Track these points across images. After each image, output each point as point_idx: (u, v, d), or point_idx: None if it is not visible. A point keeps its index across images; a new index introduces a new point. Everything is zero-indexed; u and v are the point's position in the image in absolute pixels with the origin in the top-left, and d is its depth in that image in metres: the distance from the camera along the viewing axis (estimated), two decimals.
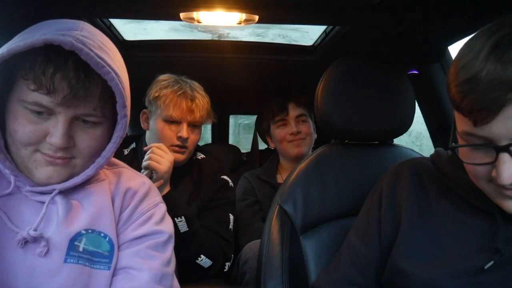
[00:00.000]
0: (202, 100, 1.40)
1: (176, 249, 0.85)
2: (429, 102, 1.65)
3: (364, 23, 1.26)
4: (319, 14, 1.18)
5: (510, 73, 0.59)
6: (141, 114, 1.48)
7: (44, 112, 0.69)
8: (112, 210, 0.78)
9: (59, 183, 0.74)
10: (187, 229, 1.27)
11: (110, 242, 0.76)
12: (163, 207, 0.86)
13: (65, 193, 0.75)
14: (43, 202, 0.73)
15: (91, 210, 0.76)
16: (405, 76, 1.19)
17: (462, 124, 0.68)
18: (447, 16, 1.08)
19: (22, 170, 0.73)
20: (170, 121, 1.37)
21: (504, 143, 0.63)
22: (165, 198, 1.27)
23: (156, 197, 0.86)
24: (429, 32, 1.25)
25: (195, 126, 1.41)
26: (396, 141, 1.37)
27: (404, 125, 1.14)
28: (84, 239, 0.73)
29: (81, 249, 0.72)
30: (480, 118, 0.62)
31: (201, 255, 1.29)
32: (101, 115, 0.73)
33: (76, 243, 0.72)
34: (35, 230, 0.70)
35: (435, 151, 0.90)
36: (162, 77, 1.45)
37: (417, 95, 1.31)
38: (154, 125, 1.40)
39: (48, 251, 0.71)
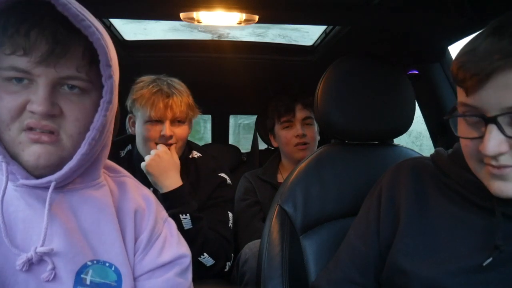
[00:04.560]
0: (179, 95, 1.37)
1: None
2: (429, 102, 1.65)
3: (364, 23, 1.26)
4: (319, 14, 1.18)
5: (504, 44, 0.62)
6: (127, 119, 1.47)
7: (24, 79, 0.63)
8: (119, 234, 0.74)
9: (49, 166, 0.66)
10: (191, 226, 1.27)
11: (117, 271, 0.71)
12: (171, 221, 0.84)
13: (63, 207, 0.70)
14: (40, 205, 0.68)
15: (95, 237, 0.71)
16: (405, 76, 1.19)
17: (459, 96, 0.70)
18: (447, 16, 1.08)
19: (13, 158, 0.66)
20: (151, 121, 1.36)
21: (493, 113, 0.64)
22: (176, 192, 1.29)
23: (162, 211, 0.84)
24: (429, 32, 1.25)
25: (178, 122, 1.39)
26: (396, 141, 1.37)
27: (404, 125, 1.14)
28: (90, 271, 0.69)
29: (88, 282, 0.68)
30: (471, 85, 0.65)
31: (204, 253, 1.29)
32: (87, 78, 0.66)
33: (82, 276, 0.68)
34: (42, 246, 0.63)
35: (435, 151, 0.90)
36: (140, 79, 1.43)
37: (417, 95, 1.31)
38: (138, 129, 1.39)
39: (55, 275, 0.65)
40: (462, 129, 0.72)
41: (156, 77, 1.42)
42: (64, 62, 0.63)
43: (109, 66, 0.65)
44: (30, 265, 0.65)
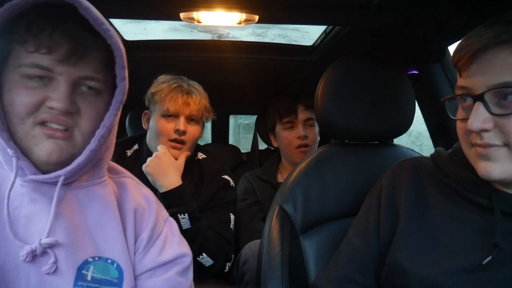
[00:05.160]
0: (198, 95, 1.41)
1: None
2: (429, 102, 1.65)
3: (364, 23, 1.26)
4: (319, 14, 1.18)
5: (497, 26, 0.67)
6: (142, 115, 1.50)
7: (44, 77, 0.65)
8: (121, 232, 0.75)
9: (60, 163, 0.68)
10: (190, 226, 1.27)
11: (119, 268, 0.72)
12: (172, 221, 0.85)
13: (69, 203, 0.71)
14: (45, 201, 0.69)
15: (99, 233, 0.72)
16: (405, 76, 1.19)
17: (458, 81, 0.74)
18: (447, 16, 1.08)
19: (24, 153, 0.68)
20: (167, 115, 1.38)
21: (479, 91, 0.68)
22: (174, 192, 1.29)
23: (163, 211, 0.84)
24: (429, 32, 1.25)
25: (193, 120, 1.42)
26: (396, 141, 1.38)
27: (404, 125, 1.14)
28: (91, 267, 0.69)
29: (89, 278, 0.69)
30: (462, 64, 0.70)
31: (203, 253, 1.30)
32: (103, 80, 0.70)
33: (83, 271, 0.68)
34: (47, 237, 0.65)
35: (435, 151, 0.90)
36: (161, 76, 1.47)
37: (417, 95, 1.31)
38: (153, 122, 1.42)
39: (57, 269, 0.67)
40: (458, 113, 0.76)
41: (177, 76, 1.46)
42: (84, 63, 0.67)
43: (123, 68, 0.69)
44: (34, 256, 0.66)
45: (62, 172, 0.68)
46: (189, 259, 0.81)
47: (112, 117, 0.71)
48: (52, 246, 0.67)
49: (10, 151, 0.66)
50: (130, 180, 0.84)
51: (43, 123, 0.66)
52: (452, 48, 1.43)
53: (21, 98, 0.65)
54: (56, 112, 0.66)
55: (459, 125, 0.76)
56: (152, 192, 0.86)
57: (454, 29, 1.18)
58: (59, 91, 0.65)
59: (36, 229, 0.67)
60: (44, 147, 0.66)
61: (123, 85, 0.70)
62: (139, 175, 1.36)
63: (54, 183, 0.69)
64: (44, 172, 0.69)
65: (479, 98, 0.68)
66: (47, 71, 0.65)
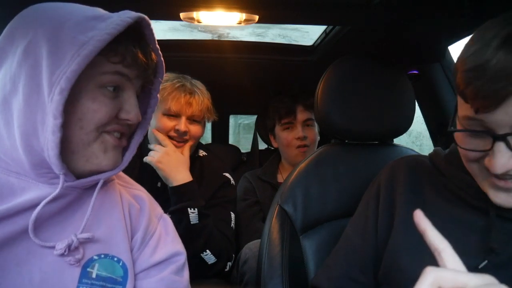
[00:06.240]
0: (201, 95, 1.40)
1: (184, 240, 0.84)
2: (429, 102, 1.65)
3: (364, 23, 1.26)
4: (319, 14, 1.18)
5: None
6: None
7: (119, 87, 0.68)
8: (125, 229, 0.74)
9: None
10: (197, 222, 1.28)
11: (124, 266, 0.72)
12: (166, 218, 0.84)
13: (80, 204, 0.71)
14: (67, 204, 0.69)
15: (105, 231, 0.72)
16: (405, 76, 1.19)
17: (464, 109, 0.67)
18: (447, 16, 1.08)
19: (75, 160, 0.67)
20: (169, 114, 1.38)
21: (502, 131, 0.62)
22: (186, 187, 1.31)
23: (157, 209, 0.84)
24: (429, 32, 1.25)
25: (195, 120, 1.41)
26: (396, 141, 1.38)
27: (404, 125, 1.14)
28: (97, 265, 0.69)
29: (94, 276, 0.68)
30: (482, 106, 0.62)
31: (207, 250, 1.30)
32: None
33: (88, 269, 0.68)
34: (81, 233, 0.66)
35: (433, 150, 0.90)
36: (165, 74, 1.46)
37: (417, 95, 1.31)
38: (153, 121, 1.41)
39: (83, 258, 0.67)
40: (464, 139, 0.69)
41: (180, 75, 1.45)
42: (146, 76, 0.73)
43: (161, 81, 0.79)
44: (68, 252, 0.66)
45: (102, 176, 0.70)
46: (183, 257, 0.80)
47: (148, 126, 0.78)
48: (84, 241, 0.68)
49: (58, 170, 0.64)
50: (118, 181, 0.83)
51: (107, 132, 0.69)
52: (452, 48, 1.43)
53: (106, 108, 0.67)
54: (128, 123, 0.70)
55: (463, 153, 0.70)
56: (144, 190, 0.86)
57: (454, 29, 1.18)
58: (131, 103, 0.69)
59: (55, 232, 0.67)
60: (112, 156, 0.70)
61: (156, 96, 0.79)
62: (140, 172, 1.36)
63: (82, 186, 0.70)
64: (77, 176, 0.69)
65: (502, 138, 0.62)
66: (126, 81, 0.69)
